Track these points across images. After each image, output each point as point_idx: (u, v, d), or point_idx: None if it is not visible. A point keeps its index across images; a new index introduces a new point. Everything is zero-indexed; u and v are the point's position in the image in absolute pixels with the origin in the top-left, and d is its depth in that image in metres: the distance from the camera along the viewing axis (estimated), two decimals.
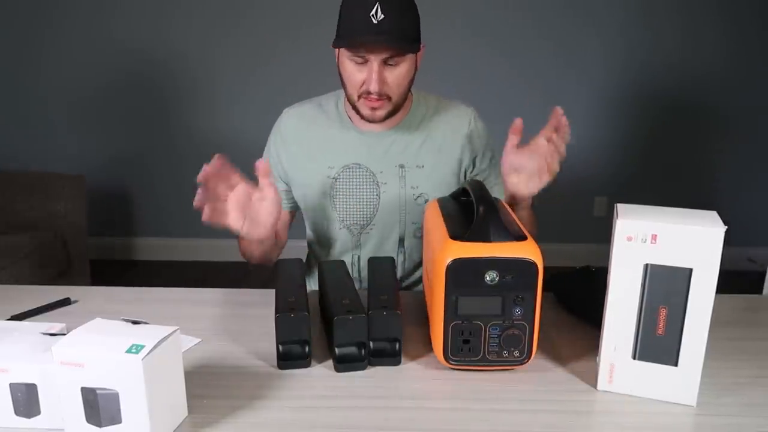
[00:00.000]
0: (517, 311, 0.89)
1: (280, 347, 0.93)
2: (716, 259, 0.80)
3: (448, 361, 0.92)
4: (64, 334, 0.83)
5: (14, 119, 3.25)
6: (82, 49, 3.15)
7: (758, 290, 2.42)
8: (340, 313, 0.92)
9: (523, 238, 0.90)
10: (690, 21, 3.05)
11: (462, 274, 0.87)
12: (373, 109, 1.20)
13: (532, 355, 0.92)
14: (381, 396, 0.89)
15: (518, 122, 1.12)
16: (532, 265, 0.87)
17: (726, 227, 0.80)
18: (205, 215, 0.98)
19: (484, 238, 0.89)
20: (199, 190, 0.98)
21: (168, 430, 0.79)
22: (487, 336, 0.90)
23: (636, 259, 0.83)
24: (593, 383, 0.91)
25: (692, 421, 0.83)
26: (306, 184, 1.34)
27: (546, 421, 0.83)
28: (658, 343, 0.85)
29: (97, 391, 0.73)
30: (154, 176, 3.34)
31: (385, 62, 1.16)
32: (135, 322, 0.79)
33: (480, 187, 0.99)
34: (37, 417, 0.79)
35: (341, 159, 1.31)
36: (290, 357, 0.94)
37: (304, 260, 1.45)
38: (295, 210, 1.42)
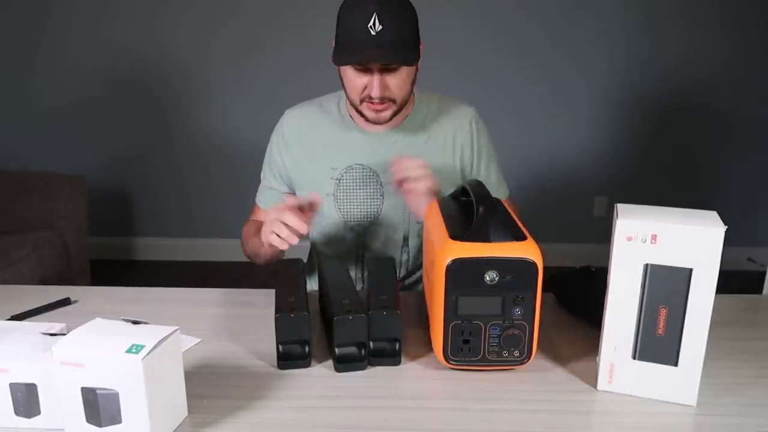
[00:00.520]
0: (517, 311, 0.89)
1: (280, 347, 0.93)
2: (716, 259, 0.80)
3: (448, 361, 0.92)
4: (64, 334, 0.83)
5: (14, 119, 3.25)
6: (81, 50, 3.15)
7: (758, 290, 2.42)
8: (340, 313, 0.92)
9: (523, 238, 0.90)
10: (692, 22, 3.05)
11: (462, 274, 0.87)
12: (377, 111, 1.21)
13: (532, 355, 0.92)
14: (381, 396, 0.89)
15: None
16: (532, 265, 0.87)
17: (726, 227, 0.80)
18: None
19: (484, 238, 0.89)
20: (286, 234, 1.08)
21: (168, 430, 0.79)
22: (487, 336, 0.90)
23: (636, 259, 0.83)
24: (593, 383, 0.91)
25: (692, 421, 0.83)
26: (309, 186, 1.34)
27: (546, 421, 0.83)
28: (658, 343, 0.85)
29: (97, 391, 0.73)
30: (154, 176, 3.34)
31: (386, 68, 1.16)
32: (135, 322, 0.79)
33: (480, 187, 0.99)
34: (37, 417, 0.79)
35: (344, 160, 1.31)
36: (290, 357, 0.94)
37: (305, 260, 1.45)
38: None
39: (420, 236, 1.34)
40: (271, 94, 3.14)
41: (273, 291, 1.02)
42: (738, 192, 3.28)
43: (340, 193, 1.31)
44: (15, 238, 2.44)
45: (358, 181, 1.31)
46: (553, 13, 3.06)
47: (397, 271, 1.34)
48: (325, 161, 1.31)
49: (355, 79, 1.18)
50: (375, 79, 1.16)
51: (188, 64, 3.17)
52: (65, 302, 1.16)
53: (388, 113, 1.22)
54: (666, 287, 0.83)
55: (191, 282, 3.08)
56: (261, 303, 1.13)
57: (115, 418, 0.74)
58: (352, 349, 0.94)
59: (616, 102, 3.18)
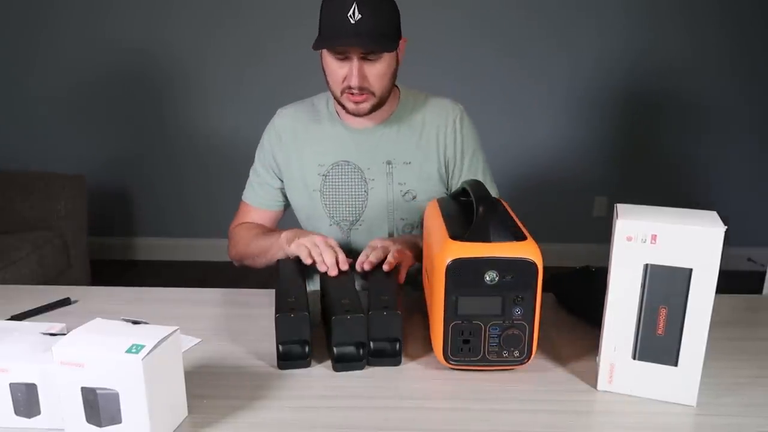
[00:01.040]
0: (517, 311, 0.89)
1: (280, 347, 0.93)
2: (716, 259, 0.80)
3: (448, 361, 0.92)
4: (64, 334, 0.83)
5: (14, 119, 3.25)
6: (81, 50, 3.15)
7: (758, 290, 2.42)
8: (338, 313, 0.92)
9: (523, 238, 0.90)
10: (692, 20, 3.05)
11: (462, 274, 0.87)
12: (357, 103, 1.22)
13: (532, 355, 0.92)
14: (381, 396, 0.89)
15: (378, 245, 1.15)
16: (532, 265, 0.87)
17: (726, 227, 0.80)
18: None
19: (484, 238, 0.89)
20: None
21: (168, 430, 0.79)
22: (487, 336, 0.90)
23: (636, 259, 0.83)
24: (593, 383, 0.91)
25: (692, 421, 0.83)
26: (298, 182, 1.35)
27: (546, 421, 0.83)
28: (658, 343, 0.85)
29: (97, 391, 0.73)
30: (154, 176, 3.34)
31: (364, 58, 1.18)
32: (135, 322, 0.79)
33: (480, 187, 0.99)
34: (37, 417, 0.79)
35: (331, 156, 1.32)
36: (290, 357, 0.94)
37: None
38: (284, 208, 1.44)
39: (405, 233, 1.35)
40: (272, 95, 3.14)
41: (273, 291, 1.02)
42: (738, 192, 3.27)
43: (326, 189, 1.33)
44: (15, 238, 2.44)
45: (343, 177, 1.32)
46: (553, 13, 3.06)
47: None
48: (313, 157, 1.33)
49: (336, 70, 1.20)
50: (354, 68, 1.18)
51: (189, 64, 3.17)
52: (65, 302, 1.16)
53: (367, 105, 1.23)
54: (666, 287, 0.83)
55: (191, 282, 3.07)
56: (261, 303, 1.13)
57: (115, 418, 0.74)
58: (351, 349, 0.94)
59: (616, 102, 3.18)
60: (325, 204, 1.33)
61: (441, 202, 1.10)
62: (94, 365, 0.73)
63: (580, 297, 1.12)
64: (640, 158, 3.26)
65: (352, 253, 1.35)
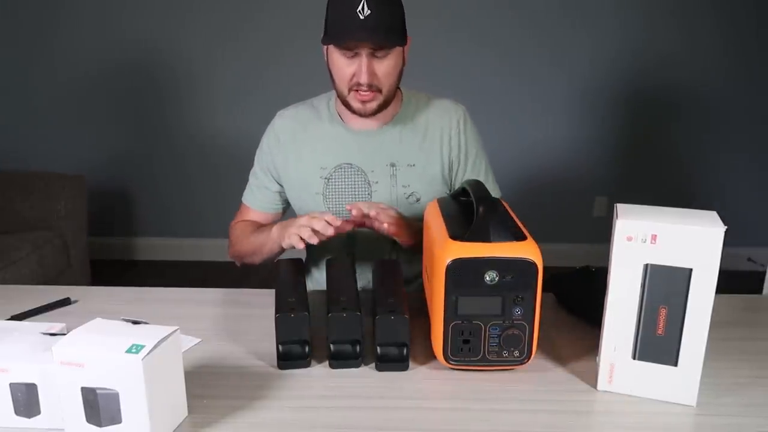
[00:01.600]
0: (517, 311, 0.89)
1: (280, 347, 0.93)
2: (716, 259, 0.80)
3: (448, 361, 0.92)
4: (64, 334, 0.83)
5: (14, 119, 3.25)
6: (83, 49, 3.15)
7: (758, 290, 2.41)
8: (335, 310, 0.92)
9: (523, 238, 0.90)
10: (689, 19, 3.05)
11: (462, 274, 0.87)
12: (364, 102, 1.21)
13: (532, 355, 0.92)
14: (381, 396, 0.89)
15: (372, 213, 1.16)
16: (532, 265, 0.87)
17: (726, 227, 0.80)
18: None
19: (484, 238, 0.89)
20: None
21: (168, 430, 0.79)
22: (487, 336, 0.90)
23: (636, 259, 0.83)
24: (593, 383, 0.91)
25: (692, 421, 0.83)
26: (300, 185, 1.34)
27: (546, 421, 0.83)
28: (657, 343, 0.85)
29: (97, 391, 0.73)
30: (155, 176, 3.34)
31: (373, 54, 1.18)
32: (135, 322, 0.79)
33: (480, 187, 0.99)
34: (37, 417, 0.79)
35: (333, 159, 1.31)
36: (290, 357, 0.94)
37: (304, 260, 1.45)
38: (284, 211, 1.43)
39: None
40: (278, 95, 3.11)
41: (273, 291, 1.02)
42: (738, 192, 3.27)
43: (329, 192, 1.32)
44: (15, 238, 2.44)
45: (346, 180, 1.31)
46: (552, 15, 3.06)
47: None
48: (315, 160, 1.32)
49: (343, 67, 1.20)
50: (363, 64, 1.17)
51: (193, 64, 3.16)
52: (65, 302, 1.16)
53: (374, 104, 1.22)
54: (666, 287, 0.83)
55: (192, 282, 3.06)
56: (261, 303, 1.13)
57: (115, 418, 0.74)
58: (347, 347, 0.94)
59: (616, 102, 3.18)
60: (328, 207, 1.32)
61: (441, 202, 1.10)
62: (94, 365, 0.73)
63: (580, 297, 1.12)
64: (640, 158, 3.26)
65: (355, 257, 1.35)
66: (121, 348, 0.73)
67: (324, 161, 1.31)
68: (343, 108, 1.28)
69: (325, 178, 1.31)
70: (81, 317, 0.86)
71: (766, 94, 3.15)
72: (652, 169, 3.27)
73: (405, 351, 0.94)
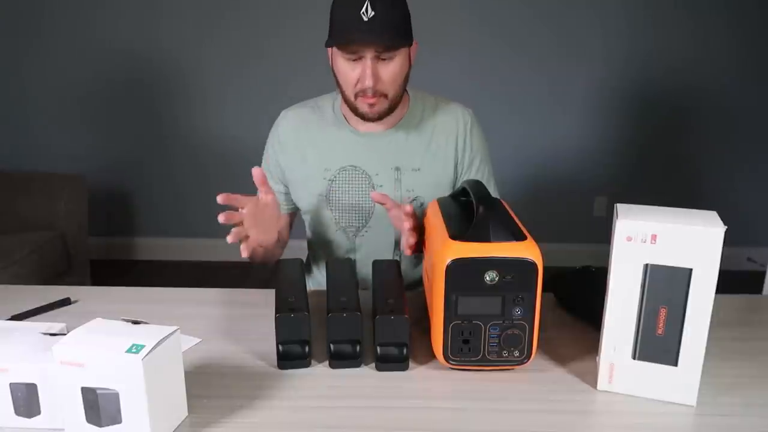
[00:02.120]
0: (517, 311, 0.89)
1: (280, 347, 0.93)
2: (716, 259, 0.80)
3: (448, 361, 0.92)
4: (64, 334, 0.83)
5: (14, 119, 3.25)
6: (80, 50, 3.15)
7: (758, 290, 2.42)
8: (335, 310, 0.92)
9: (523, 238, 0.90)
10: (694, 20, 3.05)
11: (462, 274, 0.87)
12: (371, 106, 1.20)
13: (532, 355, 0.92)
14: (381, 396, 0.88)
15: (408, 209, 1.12)
16: (532, 265, 0.87)
17: (726, 227, 0.80)
18: (230, 238, 1.05)
19: (484, 238, 0.89)
20: (225, 214, 1.05)
21: (168, 430, 0.79)
22: (487, 336, 0.90)
23: (636, 259, 0.83)
24: (593, 383, 0.91)
25: (692, 421, 0.83)
26: (303, 186, 1.33)
27: (546, 421, 0.83)
28: (657, 343, 0.85)
29: (97, 391, 0.73)
30: (155, 176, 3.34)
31: (378, 58, 1.16)
32: (135, 322, 0.79)
33: (480, 187, 0.99)
34: (37, 417, 0.79)
35: (337, 161, 1.30)
36: (290, 357, 0.94)
37: (304, 260, 1.45)
38: (295, 211, 1.42)
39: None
40: (270, 95, 3.14)
41: (273, 291, 1.02)
42: (738, 192, 3.28)
43: (332, 194, 1.31)
44: (15, 238, 2.44)
45: (350, 183, 1.30)
46: (554, 12, 3.06)
47: None
48: (319, 162, 1.31)
49: (348, 72, 1.19)
50: (367, 68, 1.16)
51: (187, 65, 3.17)
52: (65, 302, 1.16)
53: (380, 108, 1.21)
54: (666, 287, 0.83)
55: (191, 282, 3.07)
56: (261, 303, 1.13)
57: (115, 418, 0.74)
58: (347, 347, 0.94)
59: (616, 101, 3.18)
60: (331, 209, 1.32)
61: (441, 202, 1.10)
62: (94, 365, 0.73)
63: (580, 297, 1.12)
64: (640, 158, 3.26)
65: (357, 260, 1.35)
66: (121, 348, 0.73)
67: (328, 163, 1.30)
68: (348, 110, 1.27)
69: (329, 180, 1.30)
70: (81, 317, 0.86)
71: (765, 95, 3.15)
72: (652, 169, 3.27)
73: (405, 351, 0.94)
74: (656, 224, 0.81)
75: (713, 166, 3.26)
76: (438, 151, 1.31)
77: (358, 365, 0.94)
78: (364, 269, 1.27)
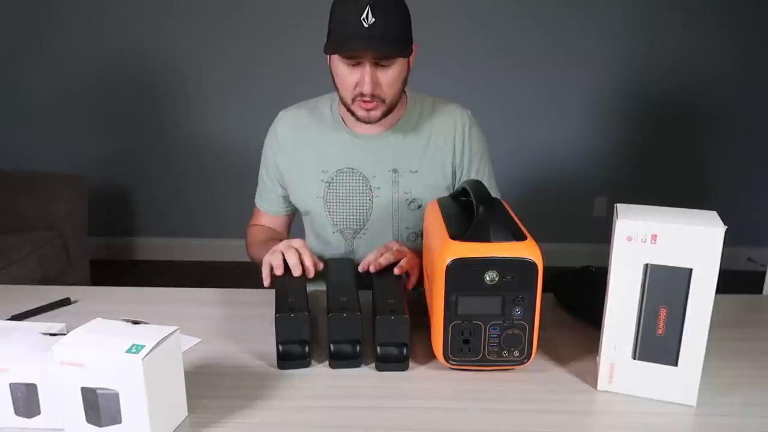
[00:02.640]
0: (517, 311, 0.89)
1: (280, 347, 0.93)
2: (716, 259, 0.80)
3: (447, 361, 0.92)
4: (64, 334, 0.83)
5: (14, 119, 3.25)
6: (82, 50, 3.15)
7: (758, 290, 2.42)
8: (335, 310, 0.92)
9: (523, 238, 0.90)
10: (691, 21, 3.05)
11: (462, 274, 0.87)
12: (368, 110, 1.19)
13: (532, 355, 0.92)
14: (381, 396, 0.89)
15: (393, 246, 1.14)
16: (532, 265, 0.87)
17: (726, 227, 0.80)
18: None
19: (484, 238, 0.89)
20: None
21: (168, 430, 0.79)
22: (487, 336, 0.90)
23: (636, 259, 0.83)
24: (593, 383, 0.91)
25: (692, 421, 0.83)
26: (301, 188, 1.33)
27: (546, 421, 0.83)
28: (658, 343, 0.85)
29: (97, 391, 0.73)
30: (154, 176, 3.34)
31: (377, 64, 1.16)
32: (135, 322, 0.79)
33: (480, 187, 0.99)
34: (37, 417, 0.79)
35: (335, 163, 1.30)
36: (290, 357, 0.94)
37: None
38: (293, 213, 1.42)
39: (409, 242, 1.33)
40: (270, 95, 3.14)
41: (273, 291, 1.02)
42: (738, 192, 3.28)
43: (329, 196, 1.30)
44: (15, 238, 2.44)
45: (347, 185, 1.29)
46: (552, 13, 3.06)
47: None
48: (316, 164, 1.30)
49: (347, 76, 1.18)
50: (366, 74, 1.15)
51: (188, 65, 3.17)
52: (65, 302, 1.16)
53: (377, 113, 1.20)
54: (666, 287, 0.83)
55: (192, 282, 3.08)
56: (261, 303, 1.13)
57: (115, 418, 0.74)
58: (347, 347, 0.94)
59: (616, 102, 3.18)
60: (329, 211, 1.32)
61: (441, 202, 1.10)
62: (94, 365, 0.73)
63: (580, 297, 1.12)
64: (640, 158, 3.26)
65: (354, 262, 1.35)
66: (121, 348, 0.73)
67: (325, 165, 1.30)
68: (345, 112, 1.27)
69: (326, 182, 1.30)
70: (81, 317, 0.86)
71: (765, 95, 3.15)
72: (652, 169, 3.27)
73: (405, 351, 0.94)
74: (656, 224, 0.81)
75: (713, 166, 3.26)
76: (436, 152, 1.30)
77: (358, 365, 0.95)
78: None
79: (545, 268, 0.89)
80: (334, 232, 1.33)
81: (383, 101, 1.19)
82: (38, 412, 0.79)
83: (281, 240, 1.26)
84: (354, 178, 1.29)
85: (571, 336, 1.05)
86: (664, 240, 0.81)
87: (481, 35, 3.09)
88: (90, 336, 0.76)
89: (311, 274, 1.07)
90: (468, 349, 0.91)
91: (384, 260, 1.09)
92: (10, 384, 0.78)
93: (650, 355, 0.86)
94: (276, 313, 0.92)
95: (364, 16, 1.10)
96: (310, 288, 1.19)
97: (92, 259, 2.86)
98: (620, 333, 0.87)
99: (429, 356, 0.97)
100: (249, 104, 3.18)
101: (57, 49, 3.15)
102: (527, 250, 0.88)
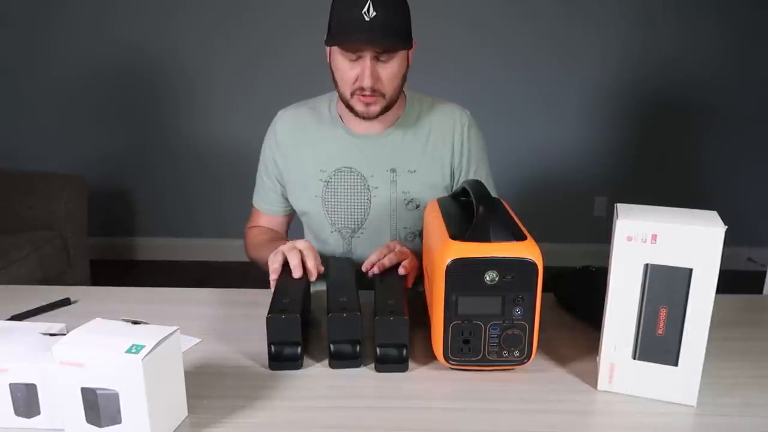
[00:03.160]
0: (517, 311, 0.89)
1: (272, 348, 0.93)
2: (716, 259, 0.80)
3: (448, 361, 0.92)
4: (64, 334, 0.83)
5: (14, 119, 3.25)
6: (83, 50, 3.15)
7: (758, 290, 2.42)
8: (335, 310, 0.92)
9: (523, 238, 0.90)
10: (688, 19, 3.05)
11: (462, 274, 0.87)
12: (367, 105, 1.20)
13: (532, 355, 0.92)
14: (380, 396, 0.88)
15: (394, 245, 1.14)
16: (532, 265, 0.87)
17: (726, 227, 0.80)
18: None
19: (484, 238, 0.89)
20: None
21: (168, 430, 0.79)
22: (487, 336, 0.90)
23: (636, 259, 0.83)
24: (593, 383, 0.91)
25: (692, 421, 0.83)
26: (299, 187, 1.33)
27: (546, 421, 0.83)
28: (658, 343, 0.85)
29: (97, 391, 0.73)
30: (154, 176, 3.34)
31: (377, 58, 1.16)
32: (135, 322, 0.79)
33: (480, 187, 0.99)
34: (37, 417, 0.79)
35: (333, 162, 1.30)
36: (281, 358, 0.94)
37: None
38: (292, 212, 1.42)
39: (408, 241, 1.33)
40: (274, 96, 3.14)
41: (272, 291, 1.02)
42: (738, 192, 3.28)
43: (328, 195, 1.30)
44: (15, 238, 2.44)
45: (346, 184, 1.30)
46: (547, 13, 3.06)
47: None
48: (314, 163, 1.30)
49: (347, 70, 1.18)
50: (366, 68, 1.15)
51: (191, 65, 3.17)
52: (65, 302, 1.16)
53: (377, 108, 1.20)
54: (666, 287, 0.83)
55: (192, 282, 3.08)
56: (261, 303, 1.12)
57: (115, 418, 0.74)
58: (346, 347, 0.94)
59: (612, 100, 3.18)
60: (327, 211, 1.32)
61: (441, 202, 1.10)
62: (94, 365, 0.73)
63: (580, 297, 1.12)
64: (640, 158, 3.26)
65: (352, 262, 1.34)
66: (121, 348, 0.73)
67: (324, 164, 1.30)
68: (344, 110, 1.27)
69: (325, 182, 1.30)
70: (81, 317, 0.86)
71: (765, 95, 3.15)
72: (652, 169, 3.27)
73: (404, 352, 0.94)
74: (656, 224, 0.81)
75: (713, 166, 3.26)
76: (434, 152, 1.30)
77: (358, 365, 0.94)
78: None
79: (545, 268, 0.89)
80: (332, 232, 1.33)
81: (383, 96, 1.19)
82: (38, 413, 0.79)
83: (284, 241, 1.26)
84: (352, 177, 1.29)
85: (571, 336, 1.05)
86: (664, 240, 0.81)
87: (476, 36, 3.09)
88: (90, 336, 0.76)
89: (313, 277, 1.07)
90: (468, 349, 0.91)
91: (388, 261, 1.10)
92: (10, 384, 0.78)
93: (650, 355, 0.86)
94: (268, 313, 0.92)
95: (365, 9, 1.11)
96: (312, 288, 1.19)
97: (92, 259, 2.86)
98: (620, 333, 0.87)
99: (429, 356, 0.97)
100: (250, 104, 3.18)
101: (58, 49, 3.15)
102: (527, 250, 0.88)
